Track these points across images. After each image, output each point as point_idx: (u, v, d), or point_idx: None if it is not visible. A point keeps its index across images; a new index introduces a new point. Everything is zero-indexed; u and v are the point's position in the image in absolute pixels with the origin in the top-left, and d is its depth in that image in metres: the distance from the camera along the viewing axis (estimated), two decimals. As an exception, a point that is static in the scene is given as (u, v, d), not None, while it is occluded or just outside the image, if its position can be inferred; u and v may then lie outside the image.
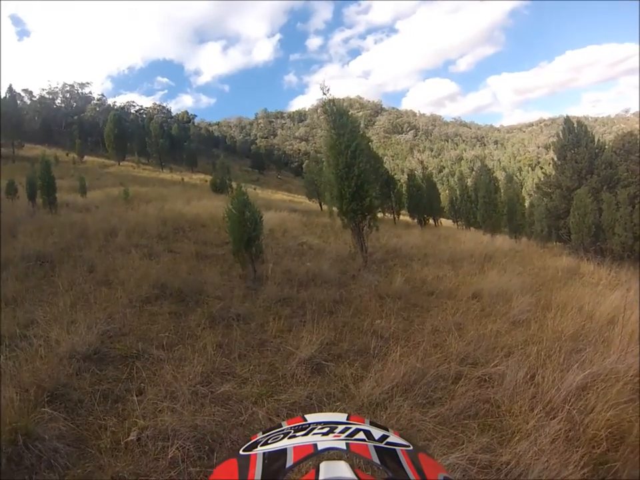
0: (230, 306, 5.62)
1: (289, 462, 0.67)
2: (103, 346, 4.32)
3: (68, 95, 78.82)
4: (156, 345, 4.43)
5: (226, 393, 3.60)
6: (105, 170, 40.30)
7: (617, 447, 2.92)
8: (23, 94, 68.24)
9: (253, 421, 3.25)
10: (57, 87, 78.96)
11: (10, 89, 51.11)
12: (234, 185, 7.82)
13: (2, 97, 48.90)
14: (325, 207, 25.41)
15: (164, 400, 3.41)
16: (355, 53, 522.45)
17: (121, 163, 49.49)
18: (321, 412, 3.35)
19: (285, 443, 0.73)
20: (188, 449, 2.84)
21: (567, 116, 25.85)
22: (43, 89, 76.36)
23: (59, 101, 77.43)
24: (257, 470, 0.66)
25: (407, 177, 27.32)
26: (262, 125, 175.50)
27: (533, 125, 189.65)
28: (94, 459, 2.79)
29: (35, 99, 71.77)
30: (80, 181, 21.08)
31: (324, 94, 8.97)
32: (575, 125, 24.46)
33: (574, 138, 23.92)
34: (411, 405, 3.39)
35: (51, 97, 75.62)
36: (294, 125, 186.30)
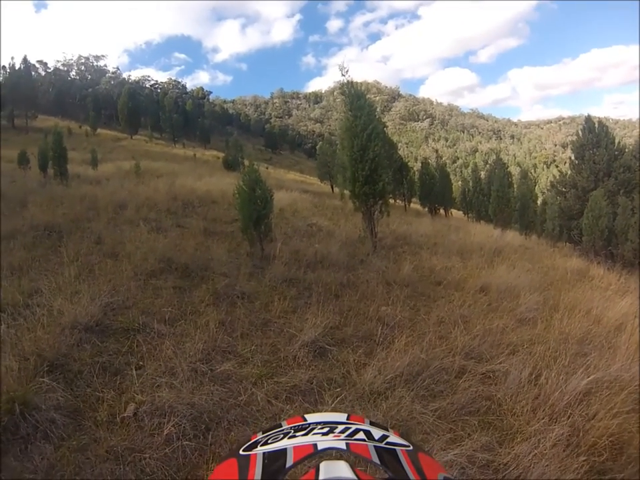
0: (235, 284, 5.59)
1: (289, 462, 0.66)
2: (105, 318, 4.33)
3: (83, 68, 78.64)
4: (158, 319, 4.42)
5: (226, 372, 3.60)
6: (117, 143, 40.27)
7: (617, 456, 2.88)
8: (37, 65, 68.15)
9: (252, 402, 3.24)
10: (71, 59, 78.74)
11: (25, 60, 51.06)
12: (246, 162, 7.78)
13: (16, 67, 48.99)
14: (336, 189, 25.30)
15: (163, 375, 3.41)
16: (374, 37, 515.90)
17: (133, 137, 49.53)
18: (322, 397, 3.35)
19: (284, 442, 0.72)
20: (184, 427, 2.84)
21: (589, 115, 25.40)
22: (57, 61, 76.09)
23: (74, 73, 77.30)
24: (257, 470, 0.65)
25: (420, 165, 27.10)
26: (277, 104, 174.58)
27: (551, 122, 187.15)
28: (90, 431, 2.80)
29: (49, 71, 71.65)
30: (92, 154, 21.09)
31: (342, 75, 8.83)
32: (596, 125, 24.04)
33: (594, 138, 23.53)
34: (413, 396, 3.36)
35: (65, 68, 75.46)
36: (309, 106, 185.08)
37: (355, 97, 8.73)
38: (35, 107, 48.65)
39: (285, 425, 0.79)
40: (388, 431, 0.75)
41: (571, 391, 3.43)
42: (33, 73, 57.90)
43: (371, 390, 3.46)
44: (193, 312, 4.67)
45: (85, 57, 78.94)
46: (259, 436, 0.77)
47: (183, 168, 23.20)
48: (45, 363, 3.33)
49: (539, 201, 30.42)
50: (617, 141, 24.21)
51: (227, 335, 4.24)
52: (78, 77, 74.43)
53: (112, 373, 3.46)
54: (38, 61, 69.75)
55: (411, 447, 0.70)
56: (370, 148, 8.35)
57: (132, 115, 52.03)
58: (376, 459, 0.65)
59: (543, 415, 3.15)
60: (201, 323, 4.32)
